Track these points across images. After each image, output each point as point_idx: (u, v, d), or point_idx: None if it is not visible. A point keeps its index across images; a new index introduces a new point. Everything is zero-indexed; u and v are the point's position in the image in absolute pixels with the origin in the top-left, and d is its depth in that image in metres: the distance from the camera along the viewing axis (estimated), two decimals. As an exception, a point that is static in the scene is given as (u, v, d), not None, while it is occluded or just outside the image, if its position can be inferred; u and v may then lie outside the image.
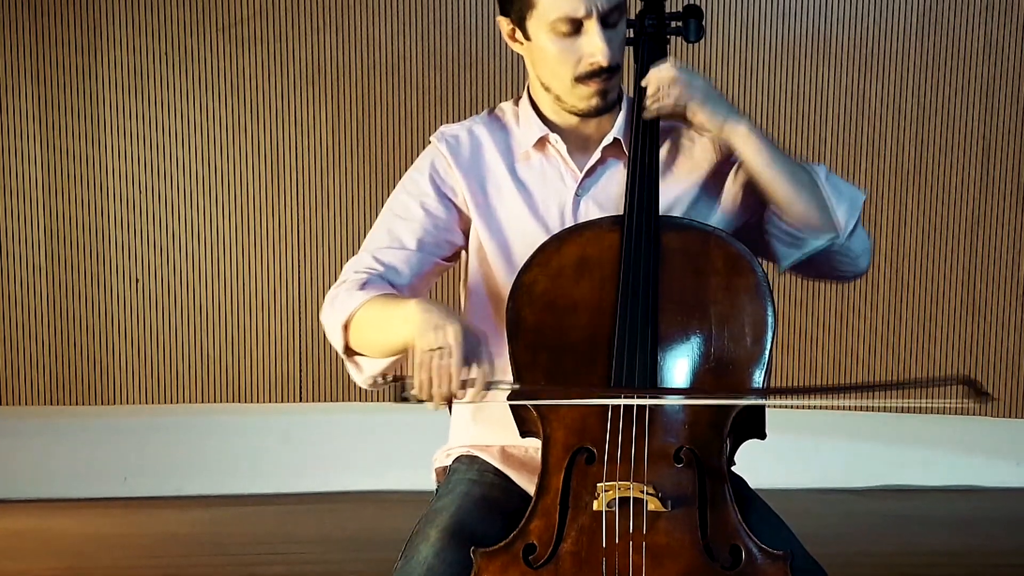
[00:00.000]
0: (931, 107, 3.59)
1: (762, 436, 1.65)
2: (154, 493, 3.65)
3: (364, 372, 1.70)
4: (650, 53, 1.78)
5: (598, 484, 1.51)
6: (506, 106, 1.87)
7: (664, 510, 1.50)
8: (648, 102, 1.72)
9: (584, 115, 1.77)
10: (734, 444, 1.67)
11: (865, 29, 3.56)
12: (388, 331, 1.59)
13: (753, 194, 1.77)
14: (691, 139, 1.82)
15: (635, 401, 1.54)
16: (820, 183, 1.73)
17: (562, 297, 1.63)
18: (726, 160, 1.81)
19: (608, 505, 1.50)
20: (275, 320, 3.59)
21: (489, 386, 1.51)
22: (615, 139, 1.78)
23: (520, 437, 1.65)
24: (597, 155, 1.78)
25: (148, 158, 3.51)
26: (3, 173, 3.50)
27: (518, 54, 1.80)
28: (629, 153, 1.74)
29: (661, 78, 1.70)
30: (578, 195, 1.78)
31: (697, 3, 1.88)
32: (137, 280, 3.55)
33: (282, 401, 3.63)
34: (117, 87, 3.49)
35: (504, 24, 1.76)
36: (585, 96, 1.74)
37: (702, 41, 1.88)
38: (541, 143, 1.80)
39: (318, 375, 3.60)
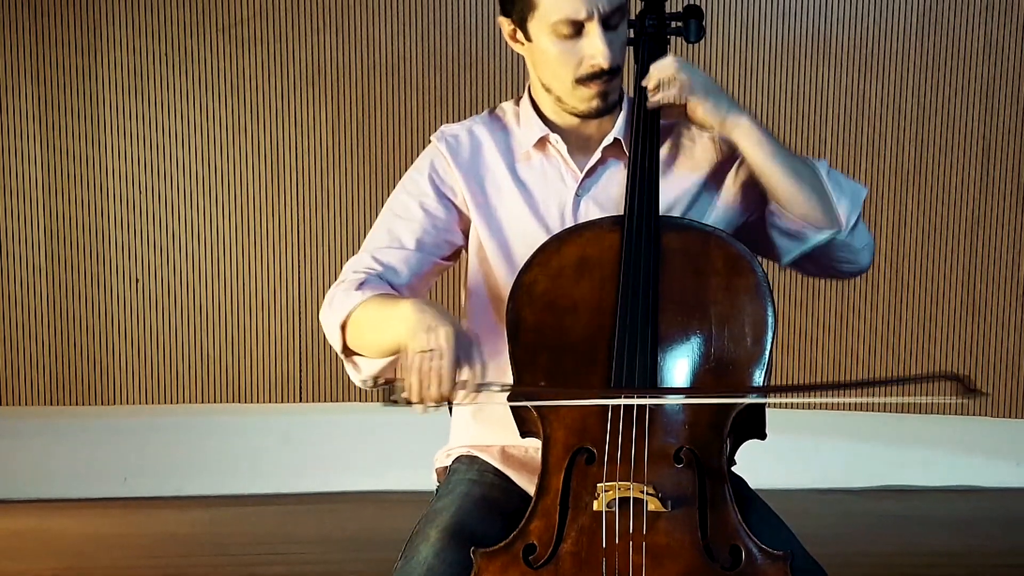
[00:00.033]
0: (931, 107, 3.59)
1: (762, 436, 1.65)
2: (154, 493, 3.66)
3: (362, 372, 1.70)
4: (650, 53, 1.78)
5: (598, 484, 1.51)
6: (507, 106, 1.86)
7: (664, 510, 1.50)
8: (649, 95, 1.72)
9: (585, 116, 1.77)
10: (734, 444, 1.67)
11: (865, 29, 3.56)
12: (384, 331, 1.59)
13: (753, 192, 1.77)
14: (691, 139, 1.82)
15: (635, 401, 1.54)
16: (821, 177, 1.74)
17: (562, 297, 1.63)
18: (727, 159, 1.81)
19: (608, 505, 1.50)
20: (275, 320, 3.59)
21: (480, 388, 1.50)
22: (615, 139, 1.78)
23: (520, 437, 1.65)
24: (597, 155, 1.78)
25: (148, 158, 3.51)
26: (3, 173, 3.50)
27: (518, 54, 1.80)
28: (629, 153, 1.74)
29: (662, 73, 1.70)
30: (578, 195, 1.78)
31: (697, 3, 1.89)
32: (137, 280, 3.55)
33: (282, 401, 3.63)
34: (117, 88, 3.49)
35: (505, 24, 1.76)
36: (586, 98, 1.74)
37: (702, 41, 1.88)
38: (541, 143, 1.80)
39: (318, 375, 3.60)
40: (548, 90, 1.77)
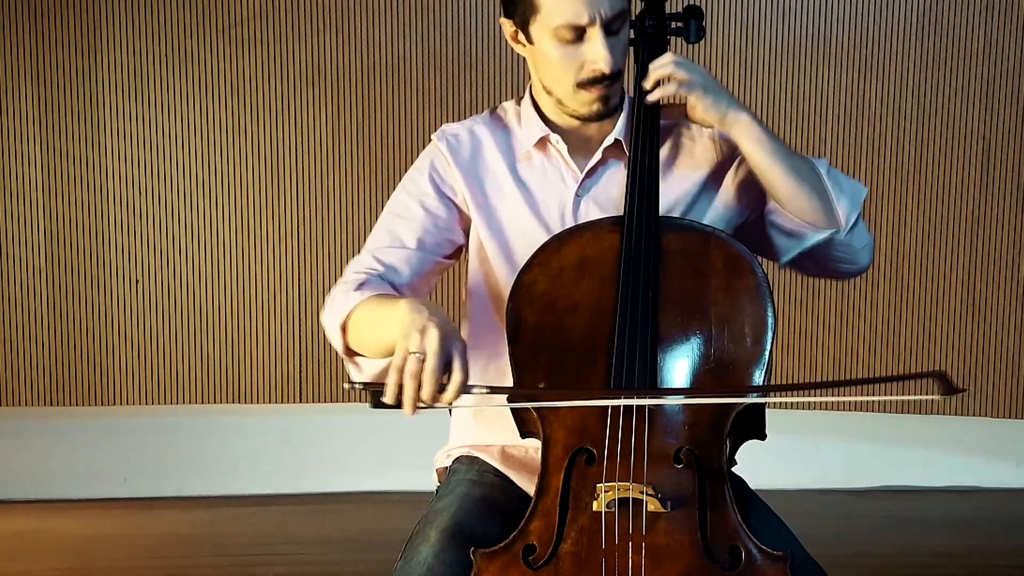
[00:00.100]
0: (931, 107, 3.59)
1: (762, 437, 1.65)
2: (154, 494, 3.66)
3: (364, 372, 1.70)
4: (651, 53, 1.78)
5: (598, 485, 1.51)
6: (508, 106, 1.87)
7: (664, 511, 1.50)
8: (648, 96, 1.72)
9: (586, 119, 1.77)
10: (734, 445, 1.67)
11: (865, 29, 3.56)
12: (382, 331, 1.59)
13: (753, 191, 1.77)
14: (692, 139, 1.82)
15: (635, 401, 1.54)
16: (821, 176, 1.73)
17: (562, 297, 1.63)
18: (727, 159, 1.81)
19: (608, 506, 1.50)
20: (275, 321, 3.59)
21: (468, 390, 1.48)
22: (616, 140, 1.78)
23: (520, 438, 1.65)
24: (598, 156, 1.78)
25: (148, 160, 3.51)
26: (3, 175, 3.50)
27: (518, 55, 1.80)
28: (629, 154, 1.74)
29: (661, 71, 1.70)
30: (578, 195, 1.78)
31: (697, 3, 1.89)
32: (137, 282, 3.55)
33: (282, 402, 3.63)
34: (117, 89, 3.49)
35: (507, 26, 1.76)
36: (587, 102, 1.74)
37: (702, 41, 1.88)
38: (542, 143, 1.80)
39: (318, 376, 3.60)
40: (549, 92, 1.77)
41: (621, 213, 1.69)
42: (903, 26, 3.56)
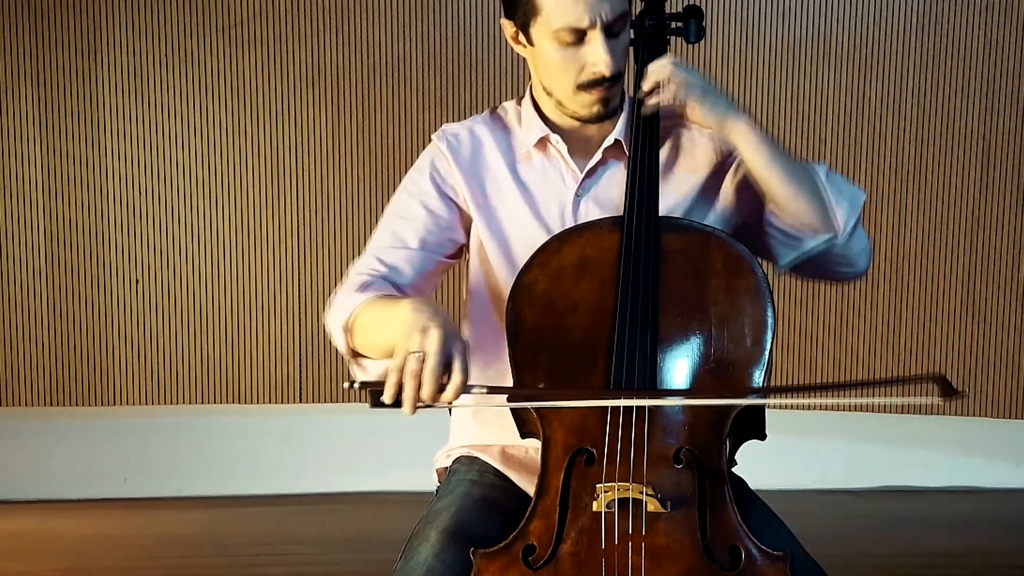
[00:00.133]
0: (931, 107, 3.59)
1: (762, 437, 1.65)
2: (154, 494, 3.66)
3: (369, 374, 1.69)
4: (650, 54, 1.78)
5: (597, 485, 1.51)
6: (508, 106, 1.87)
7: (664, 511, 1.50)
8: (645, 99, 1.72)
9: (586, 121, 1.77)
10: (734, 445, 1.66)
11: (865, 29, 3.56)
12: (385, 331, 1.58)
13: (752, 192, 1.77)
14: (691, 140, 1.82)
15: (634, 402, 1.54)
16: (820, 182, 1.73)
17: (562, 298, 1.63)
18: (726, 159, 1.80)
19: (608, 506, 1.50)
20: (275, 322, 3.59)
21: (469, 390, 1.48)
22: (616, 140, 1.78)
23: (520, 438, 1.65)
24: (598, 156, 1.78)
25: (148, 161, 3.51)
26: (3, 176, 3.50)
27: (518, 56, 1.80)
28: (629, 154, 1.74)
29: (659, 74, 1.70)
30: (578, 195, 1.78)
31: (697, 3, 1.88)
32: (137, 282, 3.55)
33: (282, 402, 3.63)
34: (117, 90, 3.49)
35: (508, 27, 1.75)
36: (587, 103, 1.74)
37: (702, 41, 1.87)
38: (542, 143, 1.80)
39: (318, 376, 3.60)
40: (549, 93, 1.77)
41: (621, 213, 1.69)
42: (903, 26, 3.56)
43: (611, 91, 1.73)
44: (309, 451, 3.72)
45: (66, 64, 3.47)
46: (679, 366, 1.60)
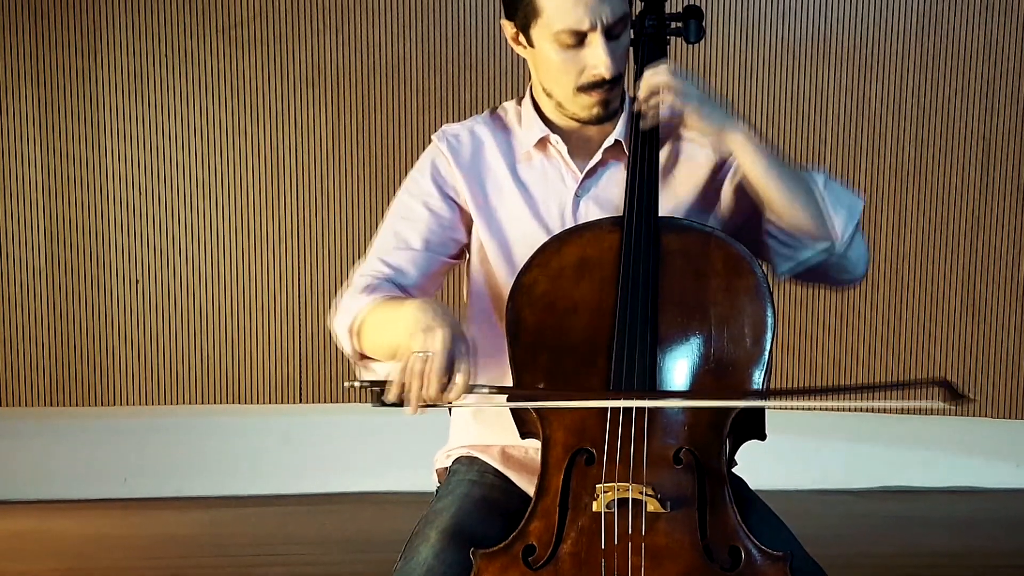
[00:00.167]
0: (931, 107, 3.59)
1: (762, 437, 1.65)
2: (154, 494, 3.66)
3: (376, 376, 1.69)
4: (650, 54, 1.78)
5: (597, 485, 1.51)
6: (508, 106, 1.86)
7: (663, 511, 1.50)
8: (642, 108, 1.71)
9: (586, 123, 1.77)
10: (734, 445, 1.66)
11: (865, 29, 3.56)
12: (391, 332, 1.58)
13: (749, 195, 1.77)
14: (691, 142, 1.82)
15: (634, 403, 1.54)
16: (817, 190, 1.72)
17: (562, 298, 1.63)
18: (726, 161, 1.80)
19: (607, 506, 1.50)
20: (275, 322, 3.59)
21: (472, 390, 1.49)
22: (616, 141, 1.78)
23: (520, 438, 1.65)
24: (598, 156, 1.78)
25: (148, 161, 3.51)
26: (3, 176, 3.50)
27: (518, 56, 1.80)
28: (629, 154, 1.74)
29: (654, 84, 1.69)
30: (578, 196, 1.78)
31: (697, 4, 1.88)
32: (137, 282, 3.55)
33: (282, 402, 3.63)
34: (117, 90, 3.49)
35: (508, 28, 1.75)
36: (587, 105, 1.74)
37: (702, 41, 1.87)
38: (542, 143, 1.80)
39: (318, 377, 3.60)
40: (549, 95, 1.77)
41: (620, 213, 1.69)
42: (903, 26, 3.56)
43: (611, 93, 1.72)
44: (309, 451, 3.72)
45: (66, 64, 3.47)
46: (679, 366, 1.60)
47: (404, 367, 1.46)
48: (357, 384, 1.56)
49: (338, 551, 3.21)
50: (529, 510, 1.55)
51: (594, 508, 1.50)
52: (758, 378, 1.59)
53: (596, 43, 1.66)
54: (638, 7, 1.82)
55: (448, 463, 1.87)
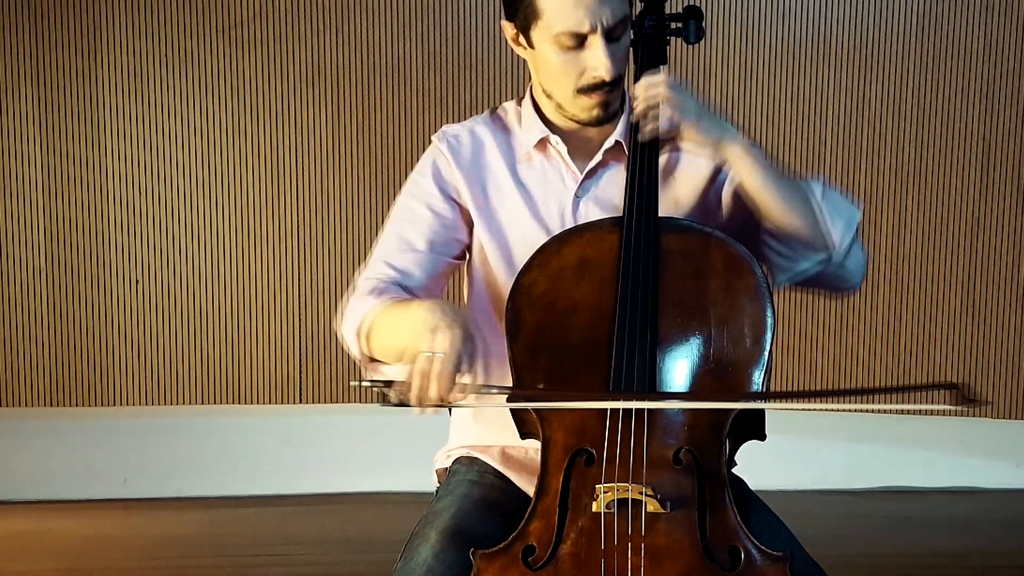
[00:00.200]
0: (931, 107, 3.59)
1: (762, 437, 1.65)
2: (154, 494, 3.66)
3: (385, 378, 1.69)
4: (650, 54, 1.78)
5: (597, 486, 1.51)
6: (508, 106, 1.86)
7: (663, 511, 1.50)
8: (639, 120, 1.70)
9: (586, 124, 1.77)
10: (734, 445, 1.67)
11: (865, 29, 3.56)
12: (401, 334, 1.58)
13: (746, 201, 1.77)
14: (690, 151, 1.81)
15: (633, 404, 1.54)
16: (815, 201, 1.71)
17: (562, 298, 1.63)
18: (725, 164, 1.80)
19: (607, 507, 1.50)
20: (275, 322, 3.59)
21: (468, 391, 1.49)
22: (617, 142, 1.78)
23: (520, 439, 1.65)
24: (599, 157, 1.78)
25: (148, 161, 3.52)
26: (3, 175, 3.50)
27: (519, 56, 1.80)
28: (628, 154, 1.74)
29: (650, 96, 1.68)
30: (578, 196, 1.78)
31: (697, 4, 1.88)
32: (137, 282, 3.55)
33: (282, 403, 3.63)
34: (117, 90, 3.49)
35: (508, 29, 1.75)
36: (587, 107, 1.73)
37: (702, 42, 1.87)
38: (542, 144, 1.80)
39: (318, 377, 3.60)
40: (549, 96, 1.77)
41: (620, 214, 1.69)
42: (903, 26, 3.56)
43: (611, 95, 1.72)
44: (309, 451, 3.72)
45: (66, 64, 3.47)
46: (679, 366, 1.60)
47: (412, 367, 1.46)
48: (366, 383, 1.56)
49: (338, 551, 3.21)
50: (529, 510, 1.55)
51: (594, 508, 1.50)
52: (758, 378, 1.59)
53: (596, 45, 1.66)
54: (638, 7, 1.82)
55: (448, 463, 1.87)
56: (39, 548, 3.24)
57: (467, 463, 1.83)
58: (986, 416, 3.69)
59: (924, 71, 3.57)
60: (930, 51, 3.56)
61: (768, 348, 1.60)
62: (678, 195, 1.79)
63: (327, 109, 3.52)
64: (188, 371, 3.59)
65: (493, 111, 1.87)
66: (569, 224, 1.75)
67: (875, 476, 3.81)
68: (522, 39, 1.74)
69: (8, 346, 3.54)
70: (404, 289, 1.74)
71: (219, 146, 3.52)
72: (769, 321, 1.61)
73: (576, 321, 1.61)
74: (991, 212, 3.63)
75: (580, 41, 1.66)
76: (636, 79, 1.75)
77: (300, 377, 3.61)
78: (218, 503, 3.62)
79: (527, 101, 1.83)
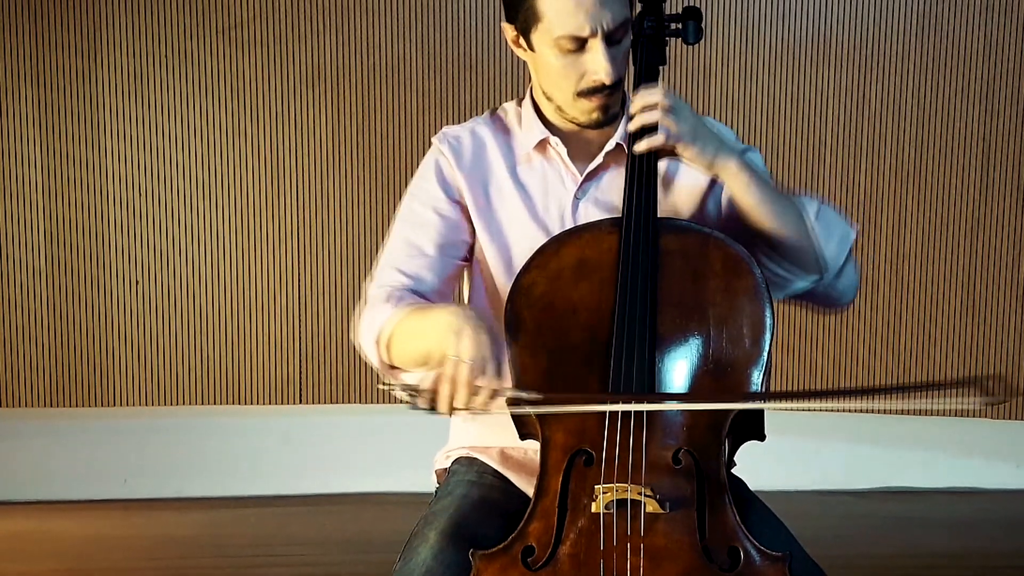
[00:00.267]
0: (931, 107, 3.59)
1: (761, 438, 1.65)
2: (154, 495, 3.66)
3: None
4: (649, 55, 1.78)
5: (596, 486, 1.51)
6: (509, 107, 1.86)
7: (662, 512, 1.50)
8: (635, 134, 1.68)
9: (586, 127, 1.77)
10: (733, 446, 1.67)
11: (865, 29, 3.56)
12: (423, 340, 1.58)
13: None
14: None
15: (632, 407, 1.54)
16: (809, 221, 1.70)
17: (561, 299, 1.63)
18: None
19: (606, 507, 1.50)
20: (275, 322, 3.59)
21: (495, 395, 1.50)
22: (617, 144, 1.78)
23: (519, 439, 1.65)
24: (600, 160, 1.78)
25: (148, 162, 3.52)
26: (3, 177, 3.50)
27: (519, 57, 1.80)
28: (628, 155, 1.74)
29: (644, 118, 1.66)
30: (577, 198, 1.78)
31: (696, 4, 1.88)
32: (137, 283, 3.55)
33: (282, 403, 3.63)
34: (117, 91, 3.49)
35: (508, 31, 1.75)
36: (587, 110, 1.73)
37: (702, 42, 1.87)
38: (542, 145, 1.80)
39: (318, 377, 3.60)
40: (549, 98, 1.77)
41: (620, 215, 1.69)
42: (903, 26, 3.56)
43: (611, 98, 1.72)
44: (309, 451, 3.72)
45: (66, 65, 3.47)
46: (678, 367, 1.60)
47: (438, 372, 1.48)
48: (397, 388, 1.56)
49: (338, 552, 3.21)
50: (528, 511, 1.55)
51: (593, 509, 1.50)
52: (757, 379, 1.59)
53: (596, 49, 1.66)
54: (637, 8, 1.82)
55: (447, 464, 1.88)
56: (39, 548, 3.24)
57: (466, 463, 1.83)
58: (986, 416, 3.69)
59: (924, 71, 3.57)
60: (930, 51, 3.56)
61: (767, 348, 1.60)
62: (677, 203, 1.79)
63: (327, 110, 3.52)
64: (188, 371, 3.59)
65: (493, 112, 1.87)
66: (569, 226, 1.75)
67: (875, 477, 3.81)
68: (522, 41, 1.74)
69: (8, 347, 3.54)
70: (418, 295, 1.74)
71: (219, 147, 3.52)
72: (768, 321, 1.61)
73: (575, 322, 1.61)
74: (991, 212, 3.62)
75: (580, 44, 1.66)
76: (635, 79, 1.75)
77: (300, 377, 3.61)
78: (218, 503, 3.62)
79: (527, 102, 1.83)
